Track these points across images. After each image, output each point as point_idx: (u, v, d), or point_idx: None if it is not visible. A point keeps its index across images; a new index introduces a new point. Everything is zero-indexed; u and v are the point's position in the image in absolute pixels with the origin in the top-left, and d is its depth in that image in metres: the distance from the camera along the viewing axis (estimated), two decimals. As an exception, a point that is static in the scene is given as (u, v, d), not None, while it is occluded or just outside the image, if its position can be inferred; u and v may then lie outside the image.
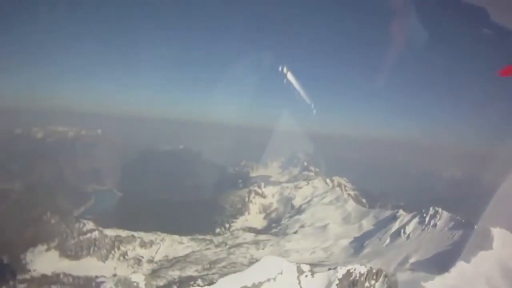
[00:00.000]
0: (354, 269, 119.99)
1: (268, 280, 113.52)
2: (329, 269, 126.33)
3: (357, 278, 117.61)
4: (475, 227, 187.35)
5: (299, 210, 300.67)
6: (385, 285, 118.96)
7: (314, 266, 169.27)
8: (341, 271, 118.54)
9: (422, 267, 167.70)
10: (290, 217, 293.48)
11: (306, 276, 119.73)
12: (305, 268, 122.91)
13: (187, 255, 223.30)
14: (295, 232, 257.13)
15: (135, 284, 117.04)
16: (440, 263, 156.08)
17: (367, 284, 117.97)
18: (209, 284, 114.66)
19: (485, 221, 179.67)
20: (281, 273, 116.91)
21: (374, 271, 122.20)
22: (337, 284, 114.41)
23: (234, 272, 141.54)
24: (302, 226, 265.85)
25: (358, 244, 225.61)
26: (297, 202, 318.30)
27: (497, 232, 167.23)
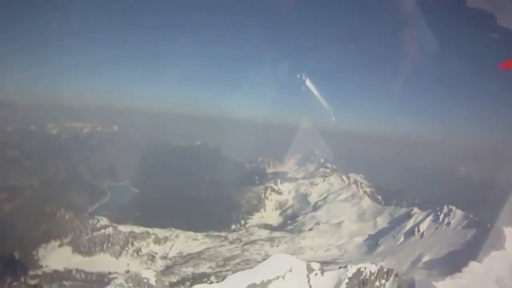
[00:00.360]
0: (365, 268, 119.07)
1: (277, 277, 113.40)
2: (340, 267, 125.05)
3: (367, 277, 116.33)
4: (488, 226, 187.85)
5: (315, 207, 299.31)
6: (396, 285, 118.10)
7: (328, 264, 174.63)
8: (352, 270, 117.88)
9: (435, 266, 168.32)
10: (306, 214, 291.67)
11: (316, 274, 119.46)
12: (315, 266, 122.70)
13: (201, 252, 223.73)
14: (310, 229, 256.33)
15: (145, 280, 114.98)
16: (453, 262, 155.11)
17: (377, 283, 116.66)
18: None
19: (498, 220, 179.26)
20: (291, 270, 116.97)
21: (385, 270, 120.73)
22: (347, 283, 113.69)
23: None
24: (317, 223, 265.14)
25: (373, 242, 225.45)
26: (313, 199, 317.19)
27: (509, 232, 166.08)
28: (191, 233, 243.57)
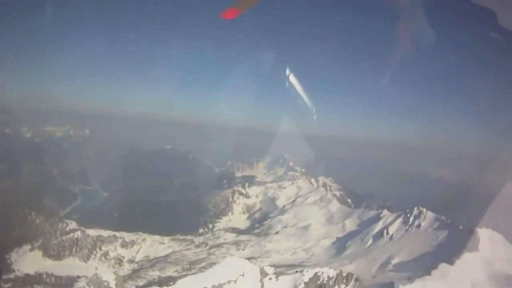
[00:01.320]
0: (322, 272, 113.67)
1: (229, 282, 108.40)
2: (296, 271, 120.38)
3: (325, 281, 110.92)
4: (460, 227, 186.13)
5: (283, 210, 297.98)
6: None
7: (294, 267, 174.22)
8: (308, 274, 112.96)
9: (405, 268, 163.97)
10: (273, 217, 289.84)
11: (270, 279, 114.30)
12: (269, 270, 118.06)
13: (167, 256, 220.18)
14: (277, 233, 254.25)
15: (106, 283, 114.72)
16: (424, 264, 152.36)
17: None
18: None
19: (472, 222, 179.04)
20: (243, 275, 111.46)
21: (344, 274, 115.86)
22: None
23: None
24: (284, 227, 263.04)
25: (340, 245, 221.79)
26: (280, 202, 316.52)
27: (483, 233, 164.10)
28: (157, 237, 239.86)
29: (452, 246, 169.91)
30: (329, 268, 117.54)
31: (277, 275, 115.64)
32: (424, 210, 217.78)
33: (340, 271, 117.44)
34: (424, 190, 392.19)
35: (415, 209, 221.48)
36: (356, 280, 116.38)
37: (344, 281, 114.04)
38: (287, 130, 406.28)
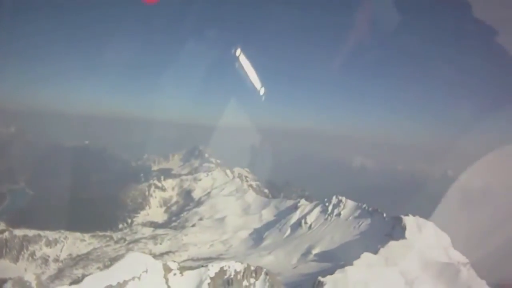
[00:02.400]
0: (229, 267, 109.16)
1: (133, 278, 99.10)
2: (202, 266, 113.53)
3: (232, 276, 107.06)
4: (384, 215, 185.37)
5: (199, 203, 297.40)
6: (267, 284, 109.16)
7: (212, 260, 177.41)
8: (213, 269, 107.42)
9: (327, 258, 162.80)
10: (189, 210, 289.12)
11: (175, 274, 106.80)
12: (173, 266, 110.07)
13: (89, 253, 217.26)
14: (193, 225, 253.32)
15: (28, 283, 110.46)
16: (347, 254, 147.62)
17: (245, 283, 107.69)
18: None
19: (397, 209, 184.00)
20: (146, 271, 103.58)
21: (252, 268, 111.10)
22: (209, 283, 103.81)
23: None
24: (200, 219, 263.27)
25: (258, 236, 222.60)
26: (196, 194, 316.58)
27: (410, 221, 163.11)
28: (78, 234, 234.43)
29: (376, 234, 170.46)
30: (236, 262, 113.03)
31: (181, 270, 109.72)
32: (344, 199, 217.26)
33: (248, 264, 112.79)
34: (345, 179, 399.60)
35: (334, 198, 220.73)
36: (266, 274, 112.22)
37: (253, 275, 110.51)
38: (202, 121, 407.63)
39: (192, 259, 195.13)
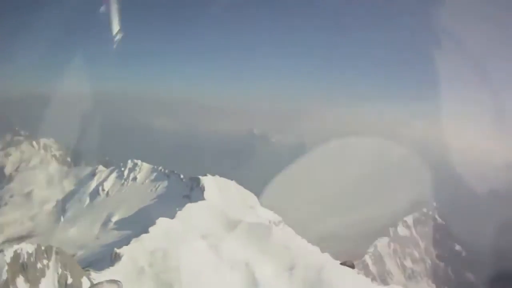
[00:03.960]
0: (21, 249, 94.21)
1: None
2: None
3: (25, 259, 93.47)
4: (182, 176, 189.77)
5: (10, 179, 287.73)
6: (59, 264, 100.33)
7: (24, 238, 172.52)
8: (8, 254, 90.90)
9: (126, 226, 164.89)
10: (2, 187, 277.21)
11: None
12: None
13: None
14: (6, 204, 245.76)
15: None
16: (145, 219, 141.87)
17: (39, 265, 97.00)
18: None
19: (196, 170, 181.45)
20: None
21: (43, 248, 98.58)
22: (7, 270, 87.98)
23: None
24: (11, 196, 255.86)
25: (61, 208, 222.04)
26: (8, 170, 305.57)
27: (208, 181, 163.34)
28: None
29: (173, 197, 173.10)
30: (27, 244, 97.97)
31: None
32: (139, 162, 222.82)
33: (38, 245, 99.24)
34: (144, 142, 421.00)
35: (129, 161, 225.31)
36: (57, 253, 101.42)
37: (45, 255, 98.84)
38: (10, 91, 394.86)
39: (8, 240, 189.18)
